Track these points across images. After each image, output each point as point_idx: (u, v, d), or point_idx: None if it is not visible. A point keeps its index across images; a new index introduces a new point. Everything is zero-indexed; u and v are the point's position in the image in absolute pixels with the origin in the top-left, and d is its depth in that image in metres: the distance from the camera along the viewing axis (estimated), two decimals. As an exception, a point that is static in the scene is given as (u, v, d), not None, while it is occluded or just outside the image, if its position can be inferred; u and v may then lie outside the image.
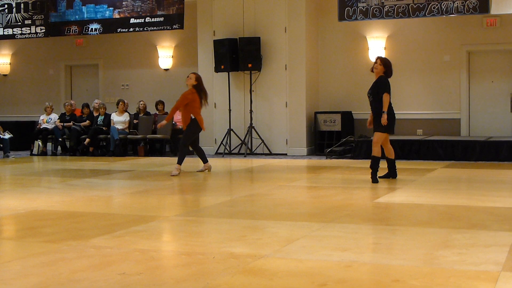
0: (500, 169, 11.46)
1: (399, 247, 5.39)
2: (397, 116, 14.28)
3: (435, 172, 11.04)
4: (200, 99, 11.04)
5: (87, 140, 15.50)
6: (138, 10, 15.82)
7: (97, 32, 16.33)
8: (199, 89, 11.07)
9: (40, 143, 16.11)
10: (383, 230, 6.28)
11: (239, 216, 7.06)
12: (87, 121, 16.07)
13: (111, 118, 15.72)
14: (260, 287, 4.29)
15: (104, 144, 15.95)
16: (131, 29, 15.99)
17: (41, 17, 16.86)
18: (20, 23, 17.08)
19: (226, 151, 14.96)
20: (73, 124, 16.03)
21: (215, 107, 15.36)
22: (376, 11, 13.53)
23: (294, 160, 13.69)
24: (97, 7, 16.22)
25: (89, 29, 16.34)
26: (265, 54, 14.89)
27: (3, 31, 17.22)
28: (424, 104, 14.65)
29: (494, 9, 12.80)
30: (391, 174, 9.92)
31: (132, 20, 15.89)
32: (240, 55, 14.77)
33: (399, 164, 12.39)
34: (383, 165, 9.92)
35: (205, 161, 11.42)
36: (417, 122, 14.67)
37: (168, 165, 12.37)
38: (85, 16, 16.37)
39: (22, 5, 17.04)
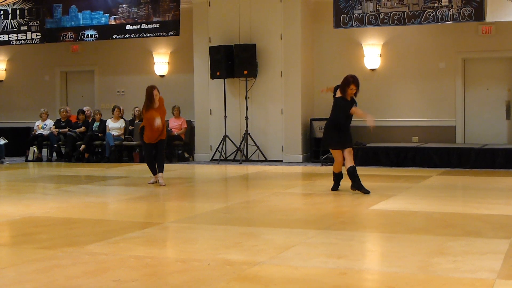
0: (495, 176, 11.48)
1: (394, 254, 5.39)
2: (392, 124, 14.50)
3: (430, 179, 11.05)
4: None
5: (83, 146, 15.47)
6: (134, 16, 15.83)
7: (93, 38, 16.33)
8: None
9: (35, 149, 16.07)
10: (378, 237, 6.28)
11: (234, 223, 7.05)
12: (83, 127, 16.04)
13: (107, 124, 15.71)
14: (255, 294, 4.29)
15: (100, 150, 15.91)
16: (127, 36, 15.99)
17: (36, 23, 16.86)
18: (16, 29, 17.07)
19: (222, 158, 14.95)
20: (69, 130, 16.00)
21: (210, 113, 15.37)
22: (371, 18, 13.57)
23: (290, 167, 13.69)
24: (93, 13, 16.23)
25: (85, 35, 16.34)
26: (261, 61, 14.90)
27: (-1, 37, 17.24)
28: (420, 111, 14.67)
29: (489, 17, 12.83)
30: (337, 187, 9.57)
31: (128, 27, 15.90)
32: (235, 61, 14.77)
33: (395, 171, 12.44)
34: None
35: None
36: (413, 129, 14.67)
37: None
38: (81, 23, 16.37)
39: (18, 11, 17.03)
